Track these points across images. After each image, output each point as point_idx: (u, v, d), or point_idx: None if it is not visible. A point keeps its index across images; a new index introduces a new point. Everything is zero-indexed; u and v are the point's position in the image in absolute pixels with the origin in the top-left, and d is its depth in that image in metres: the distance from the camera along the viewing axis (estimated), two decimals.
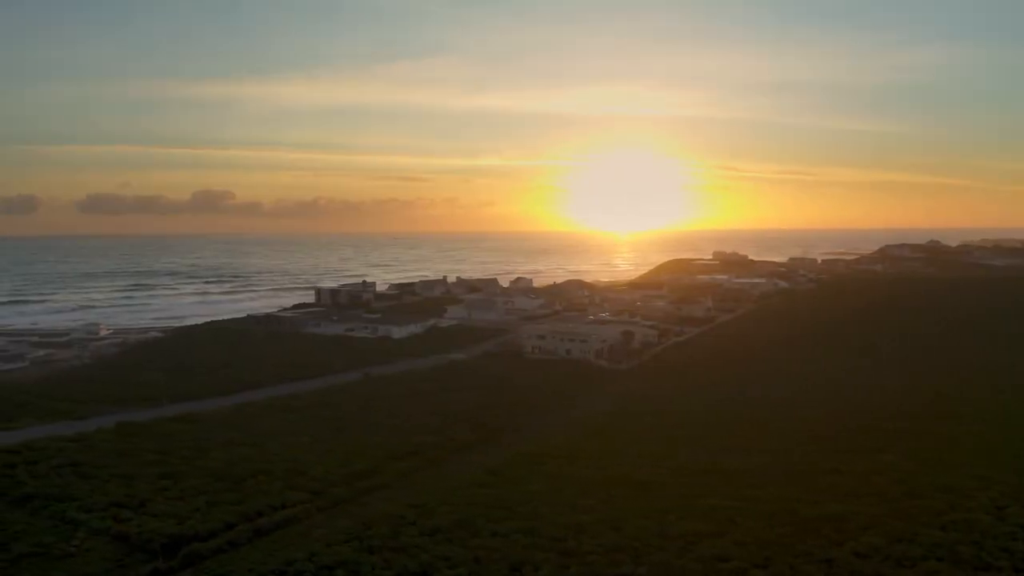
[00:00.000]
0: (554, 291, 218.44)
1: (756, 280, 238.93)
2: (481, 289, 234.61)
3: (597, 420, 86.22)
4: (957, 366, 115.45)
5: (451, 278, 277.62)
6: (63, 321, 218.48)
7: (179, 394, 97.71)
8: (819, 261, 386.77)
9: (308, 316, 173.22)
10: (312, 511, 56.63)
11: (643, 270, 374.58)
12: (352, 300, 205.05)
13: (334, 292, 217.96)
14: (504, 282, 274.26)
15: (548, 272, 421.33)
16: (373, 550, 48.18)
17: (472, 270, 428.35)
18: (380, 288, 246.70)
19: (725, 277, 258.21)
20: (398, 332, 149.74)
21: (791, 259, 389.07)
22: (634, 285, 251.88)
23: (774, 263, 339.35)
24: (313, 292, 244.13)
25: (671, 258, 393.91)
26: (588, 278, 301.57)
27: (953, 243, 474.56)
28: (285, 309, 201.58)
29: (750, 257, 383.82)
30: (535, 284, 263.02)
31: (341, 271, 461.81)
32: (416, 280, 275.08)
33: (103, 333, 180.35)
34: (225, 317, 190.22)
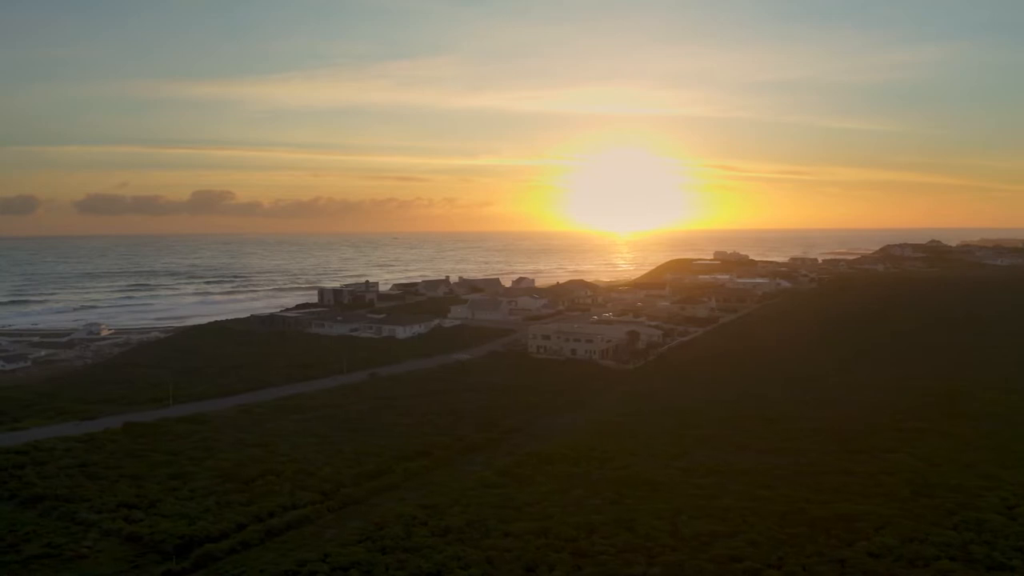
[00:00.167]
0: (557, 291, 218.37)
1: (758, 280, 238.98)
2: (483, 289, 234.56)
3: (605, 420, 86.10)
4: (964, 365, 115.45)
5: (453, 278, 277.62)
6: (64, 321, 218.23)
7: (186, 394, 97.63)
8: (820, 261, 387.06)
9: (312, 316, 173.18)
10: (323, 511, 56.64)
11: (644, 270, 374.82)
12: (355, 300, 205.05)
13: (337, 292, 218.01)
14: (506, 282, 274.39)
15: (549, 272, 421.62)
16: (386, 550, 48.17)
17: (473, 270, 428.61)
18: (383, 288, 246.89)
19: (727, 277, 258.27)
20: (403, 332, 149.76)
21: (792, 259, 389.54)
22: (636, 285, 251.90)
23: (775, 263, 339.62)
24: (315, 292, 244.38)
25: (672, 258, 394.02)
26: (589, 278, 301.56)
27: (952, 243, 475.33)
28: (289, 309, 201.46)
29: (751, 257, 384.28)
30: (537, 284, 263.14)
31: (341, 271, 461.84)
32: (418, 280, 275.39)
33: (105, 333, 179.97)
34: (228, 317, 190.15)
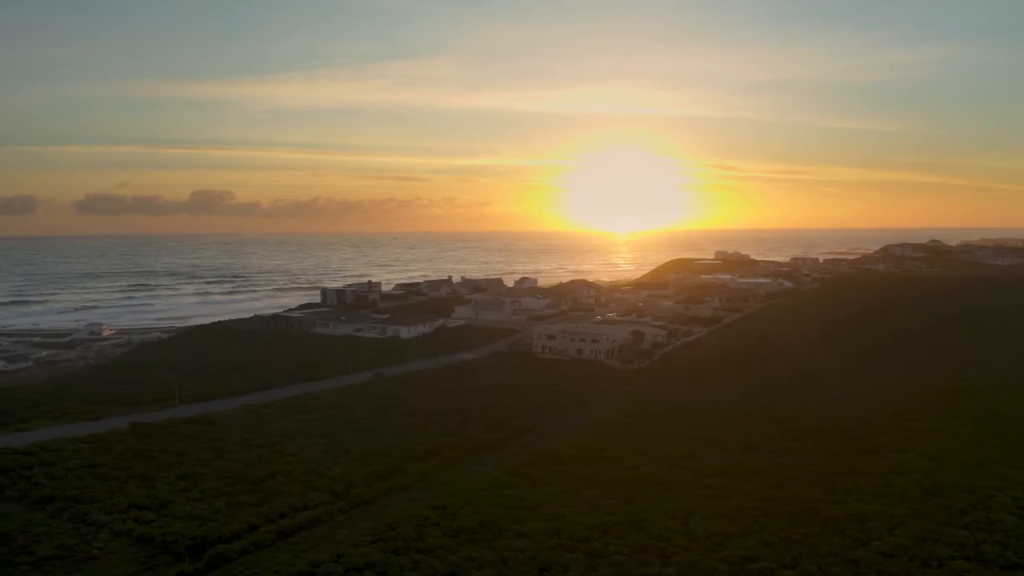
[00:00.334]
0: (560, 291, 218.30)
1: (761, 280, 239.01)
2: (486, 289, 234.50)
3: (612, 420, 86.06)
4: (972, 365, 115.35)
5: (455, 278, 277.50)
6: (65, 322, 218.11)
7: (191, 395, 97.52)
8: (821, 261, 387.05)
9: (316, 316, 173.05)
10: (334, 512, 56.52)
11: (644, 270, 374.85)
12: (358, 300, 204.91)
13: (340, 292, 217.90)
14: (507, 282, 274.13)
15: (549, 272, 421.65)
16: (399, 551, 48.02)
17: (474, 270, 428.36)
18: (385, 288, 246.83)
19: (729, 277, 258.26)
20: (407, 332, 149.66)
21: (793, 259, 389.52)
22: (639, 285, 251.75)
23: (777, 263, 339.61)
24: (317, 292, 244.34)
25: (672, 258, 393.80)
26: (590, 278, 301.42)
27: (952, 243, 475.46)
28: (292, 309, 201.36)
29: (752, 257, 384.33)
30: (539, 284, 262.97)
31: (342, 271, 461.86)
32: (421, 280, 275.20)
33: (106, 334, 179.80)
34: (229, 317, 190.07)
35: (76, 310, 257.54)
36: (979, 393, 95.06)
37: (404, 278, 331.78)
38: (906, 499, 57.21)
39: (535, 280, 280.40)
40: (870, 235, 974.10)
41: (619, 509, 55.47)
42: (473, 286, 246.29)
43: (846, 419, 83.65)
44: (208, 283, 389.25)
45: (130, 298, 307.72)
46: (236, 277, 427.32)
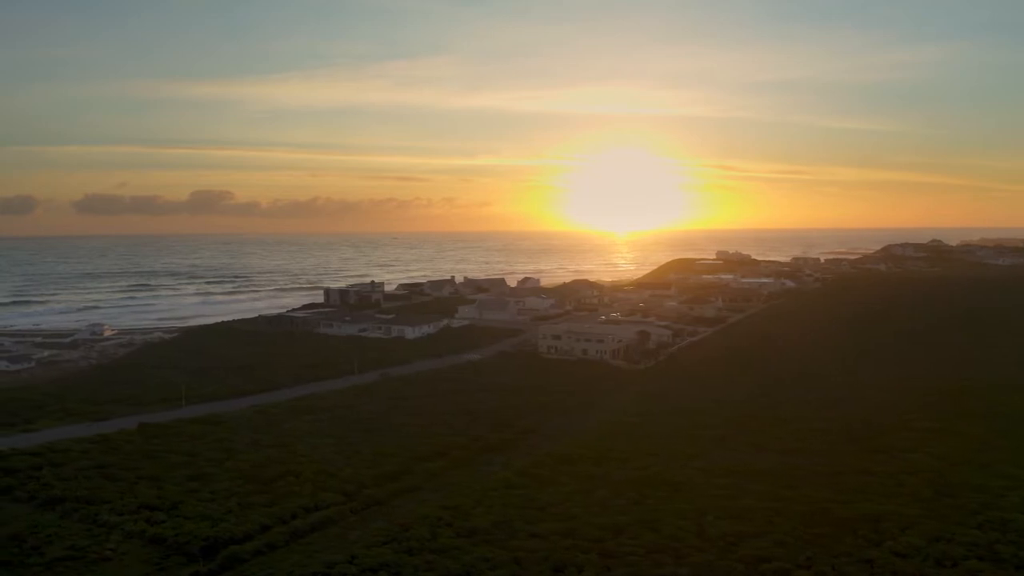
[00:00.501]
0: (563, 291, 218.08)
1: (764, 280, 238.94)
2: (489, 289, 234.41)
3: (620, 420, 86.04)
4: (973, 365, 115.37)
5: (458, 278, 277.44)
6: (67, 322, 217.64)
7: (197, 395, 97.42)
8: (822, 261, 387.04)
9: (320, 316, 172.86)
10: (346, 513, 56.45)
11: (645, 270, 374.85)
12: (361, 300, 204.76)
13: (343, 292, 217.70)
14: (509, 282, 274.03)
15: (550, 272, 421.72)
16: (412, 552, 48.00)
17: (474, 270, 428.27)
18: (388, 288, 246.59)
19: (731, 277, 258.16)
20: (411, 332, 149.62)
21: (795, 259, 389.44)
22: (641, 285, 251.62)
23: (778, 263, 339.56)
24: (318, 292, 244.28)
25: (673, 258, 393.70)
26: (592, 278, 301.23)
27: (952, 242, 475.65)
28: (296, 309, 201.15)
29: (753, 257, 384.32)
30: (541, 284, 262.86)
31: (342, 271, 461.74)
32: (423, 280, 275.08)
33: (108, 334, 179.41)
34: (232, 317, 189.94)
35: (77, 310, 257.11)
36: (981, 393, 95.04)
37: (405, 278, 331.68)
38: (918, 499, 57.32)
39: (538, 280, 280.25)
40: (870, 235, 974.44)
41: (631, 509, 55.53)
42: (476, 286, 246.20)
43: (850, 419, 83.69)
44: (209, 283, 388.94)
45: (131, 298, 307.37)
46: (237, 277, 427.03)
